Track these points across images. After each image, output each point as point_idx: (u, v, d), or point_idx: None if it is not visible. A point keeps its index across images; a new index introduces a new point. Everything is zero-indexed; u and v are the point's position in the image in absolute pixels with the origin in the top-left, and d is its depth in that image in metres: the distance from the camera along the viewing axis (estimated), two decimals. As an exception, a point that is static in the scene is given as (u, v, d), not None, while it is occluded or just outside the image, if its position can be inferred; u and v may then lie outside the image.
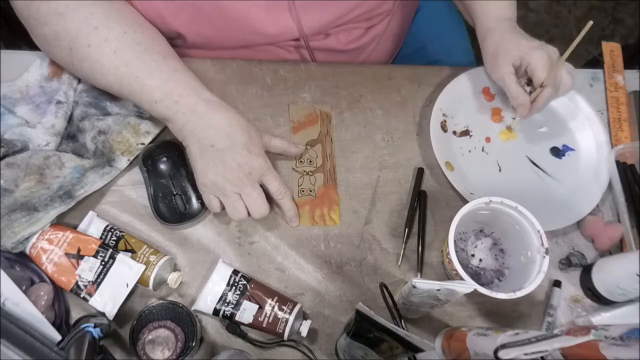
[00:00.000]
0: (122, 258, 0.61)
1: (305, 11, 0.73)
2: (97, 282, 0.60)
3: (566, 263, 0.71)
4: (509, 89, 0.70)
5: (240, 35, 0.74)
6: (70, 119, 0.70)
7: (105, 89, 0.65)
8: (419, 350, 0.51)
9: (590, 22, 0.61)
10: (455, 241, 0.63)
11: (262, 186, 0.65)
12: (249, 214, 0.65)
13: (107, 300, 0.60)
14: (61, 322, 0.60)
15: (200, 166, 0.63)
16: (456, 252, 0.61)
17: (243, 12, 0.70)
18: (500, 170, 0.76)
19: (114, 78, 0.62)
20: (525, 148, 0.78)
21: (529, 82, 0.71)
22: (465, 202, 0.67)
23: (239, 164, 0.62)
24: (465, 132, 0.78)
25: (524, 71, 0.70)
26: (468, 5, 0.76)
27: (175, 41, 0.75)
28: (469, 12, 0.77)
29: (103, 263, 0.61)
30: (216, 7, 0.68)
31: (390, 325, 0.50)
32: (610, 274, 0.66)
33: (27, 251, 0.61)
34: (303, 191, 0.72)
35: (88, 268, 0.60)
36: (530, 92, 0.70)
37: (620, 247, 0.72)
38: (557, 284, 0.69)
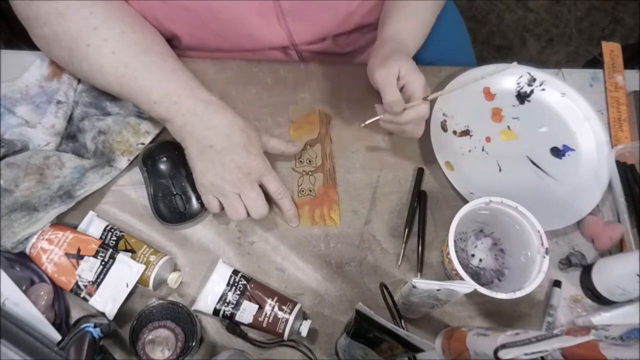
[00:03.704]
0: (122, 258, 0.61)
1: (295, 23, 0.73)
2: (97, 282, 0.60)
3: (566, 263, 0.71)
4: (390, 87, 0.65)
5: (235, 40, 0.74)
6: (70, 119, 0.70)
7: (105, 89, 0.65)
8: (419, 350, 0.51)
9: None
10: (455, 241, 0.63)
11: (261, 186, 0.65)
12: (248, 214, 0.65)
13: (107, 300, 0.60)
14: (61, 322, 0.60)
15: (199, 167, 0.63)
16: (456, 252, 0.61)
17: (237, 17, 0.70)
18: (500, 170, 0.76)
19: (113, 78, 0.62)
20: (526, 148, 0.78)
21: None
22: (465, 202, 0.67)
23: (238, 165, 0.62)
24: (466, 132, 0.78)
25: (400, 87, 0.66)
26: (386, 15, 0.73)
27: (172, 42, 0.75)
28: (383, 19, 0.74)
29: (103, 263, 0.61)
30: (211, 12, 0.68)
31: (390, 325, 0.50)
32: (610, 274, 0.66)
33: (27, 251, 0.61)
34: (303, 191, 0.72)
35: (88, 268, 0.60)
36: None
37: (620, 247, 0.72)
38: (557, 284, 0.69)
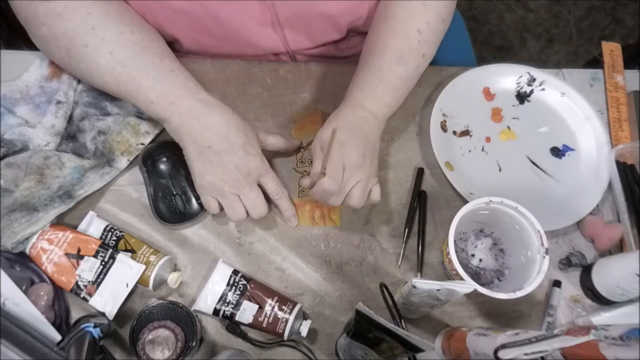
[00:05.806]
0: (122, 258, 0.62)
1: (293, 32, 0.74)
2: (97, 282, 0.60)
3: (566, 263, 0.71)
4: (314, 160, 0.64)
5: (236, 46, 0.74)
6: (70, 119, 0.70)
7: (103, 89, 0.65)
8: (419, 350, 0.51)
9: None
10: (455, 241, 0.63)
11: (259, 186, 0.65)
12: (248, 214, 0.65)
13: (107, 300, 0.60)
14: (61, 322, 0.60)
15: (198, 168, 0.63)
16: (456, 252, 0.61)
17: (238, 24, 0.70)
18: (500, 170, 0.76)
19: (111, 78, 0.62)
20: (525, 148, 0.78)
21: None
22: (465, 202, 0.66)
23: (237, 166, 0.62)
24: (465, 132, 0.78)
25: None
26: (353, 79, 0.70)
27: (173, 45, 0.75)
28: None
29: (103, 263, 0.61)
30: (213, 18, 0.68)
31: (390, 325, 0.50)
32: (610, 274, 0.66)
33: (27, 251, 0.61)
34: (304, 191, 0.72)
35: (88, 268, 0.60)
36: None
37: (620, 247, 0.72)
38: (557, 284, 0.69)
